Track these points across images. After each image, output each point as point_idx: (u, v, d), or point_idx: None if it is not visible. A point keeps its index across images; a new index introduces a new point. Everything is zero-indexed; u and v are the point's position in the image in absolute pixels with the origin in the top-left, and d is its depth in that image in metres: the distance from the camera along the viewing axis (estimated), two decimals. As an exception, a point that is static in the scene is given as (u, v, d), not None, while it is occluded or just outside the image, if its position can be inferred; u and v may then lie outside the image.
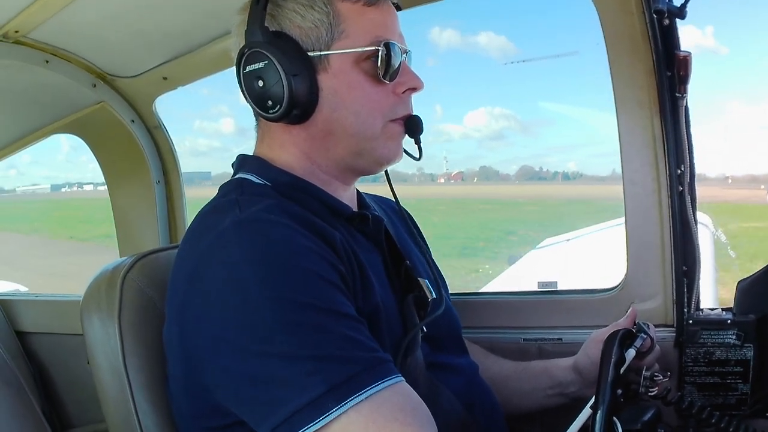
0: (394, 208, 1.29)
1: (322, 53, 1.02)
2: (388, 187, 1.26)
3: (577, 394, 1.31)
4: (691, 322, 1.36)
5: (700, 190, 1.38)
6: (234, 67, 1.06)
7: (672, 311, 1.42)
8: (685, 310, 1.39)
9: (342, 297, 0.90)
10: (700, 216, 1.44)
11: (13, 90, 2.00)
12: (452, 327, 1.23)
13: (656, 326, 1.33)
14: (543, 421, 1.39)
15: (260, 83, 1.01)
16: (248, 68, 1.02)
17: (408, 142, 1.13)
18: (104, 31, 1.71)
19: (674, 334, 1.40)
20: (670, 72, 1.30)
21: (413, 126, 1.09)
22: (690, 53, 1.25)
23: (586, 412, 0.99)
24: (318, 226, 0.96)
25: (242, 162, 1.12)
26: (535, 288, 1.69)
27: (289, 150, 1.09)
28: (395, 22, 1.09)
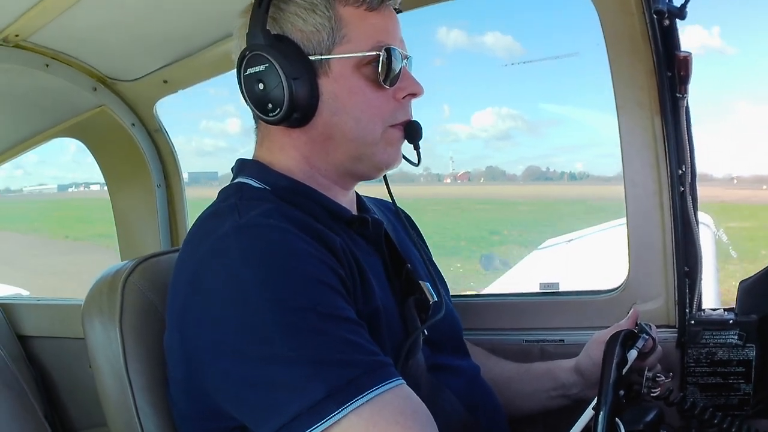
0: (393, 210, 1.29)
1: (323, 57, 1.02)
2: (390, 187, 1.26)
3: (580, 396, 1.31)
4: (693, 322, 1.35)
5: (700, 190, 1.38)
6: (235, 70, 1.06)
7: (674, 312, 1.42)
8: (687, 310, 1.38)
9: (342, 301, 0.90)
10: (702, 216, 1.44)
11: (14, 94, 2.00)
12: (453, 329, 1.23)
13: (658, 327, 1.33)
14: (545, 422, 1.39)
15: (261, 86, 1.01)
16: (249, 71, 1.02)
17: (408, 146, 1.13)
18: (104, 35, 1.71)
19: (676, 335, 1.40)
20: (670, 72, 1.30)
21: (413, 131, 1.09)
22: (690, 53, 1.25)
23: (589, 413, 0.99)
24: (318, 230, 0.96)
25: (241, 166, 1.12)
26: (534, 289, 1.69)
27: (289, 153, 1.09)
28: (396, 27, 1.09)
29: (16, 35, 1.65)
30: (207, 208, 1.04)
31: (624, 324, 1.27)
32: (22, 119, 2.21)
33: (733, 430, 1.03)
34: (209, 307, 0.89)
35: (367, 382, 0.82)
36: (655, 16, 1.26)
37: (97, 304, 1.17)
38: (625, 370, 1.04)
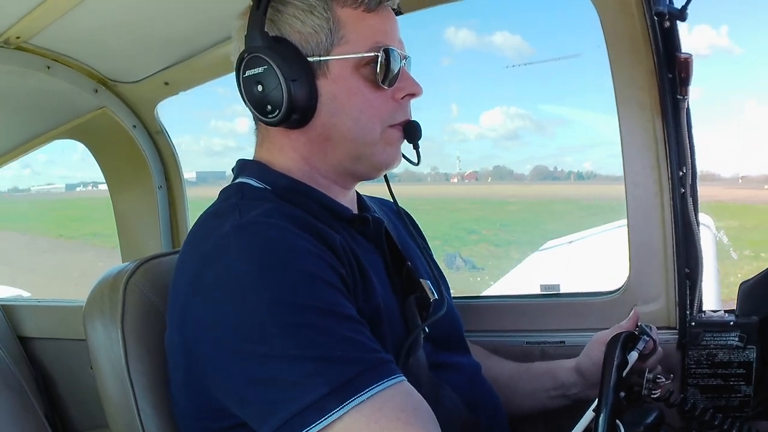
0: (393, 209, 1.29)
1: (321, 59, 1.02)
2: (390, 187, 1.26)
3: (580, 396, 1.31)
4: (693, 324, 1.35)
5: (701, 190, 1.38)
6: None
7: (674, 313, 1.42)
8: (688, 312, 1.38)
9: (342, 299, 0.90)
10: (702, 217, 1.44)
11: (15, 96, 2.01)
12: (454, 327, 1.23)
13: (659, 328, 1.33)
14: (546, 422, 1.39)
15: (259, 88, 1.01)
16: (248, 73, 1.02)
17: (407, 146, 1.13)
18: (105, 37, 1.71)
19: (677, 336, 1.40)
20: (671, 74, 1.30)
21: (412, 131, 1.10)
22: (691, 55, 1.25)
23: (589, 415, 0.99)
24: (318, 228, 0.96)
25: (242, 166, 1.13)
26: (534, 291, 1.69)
27: (288, 154, 1.09)
28: (395, 28, 1.09)
29: (18, 37, 1.65)
30: (208, 208, 1.04)
31: (625, 325, 1.27)
32: (24, 121, 2.21)
33: (734, 431, 1.03)
34: (209, 306, 0.89)
35: (368, 379, 0.82)
36: (655, 17, 1.26)
37: (99, 305, 1.18)
38: (625, 372, 1.04)
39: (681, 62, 1.26)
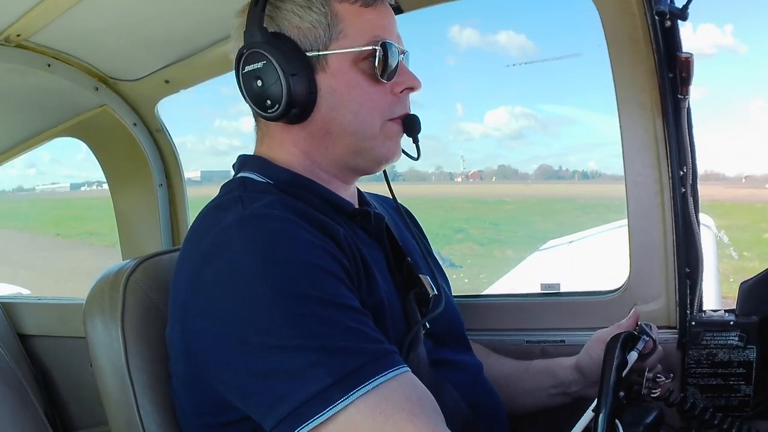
0: (393, 206, 1.29)
1: (320, 53, 1.03)
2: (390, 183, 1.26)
3: (580, 394, 1.31)
4: (693, 323, 1.36)
5: (702, 190, 1.38)
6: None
7: (675, 313, 1.42)
8: (688, 311, 1.38)
9: (346, 290, 0.90)
10: (702, 217, 1.44)
11: (15, 93, 2.00)
12: (454, 323, 1.23)
13: (659, 328, 1.33)
14: (546, 421, 1.39)
15: (259, 83, 1.02)
16: (247, 68, 1.03)
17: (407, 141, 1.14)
18: (106, 35, 1.71)
19: (677, 336, 1.40)
20: (672, 73, 1.30)
21: (411, 125, 1.10)
22: (691, 55, 1.25)
23: (588, 414, 0.99)
24: (321, 220, 0.97)
25: (243, 162, 1.13)
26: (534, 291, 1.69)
27: (289, 149, 1.09)
28: (393, 22, 1.09)
29: (18, 35, 1.65)
30: (209, 202, 1.04)
31: (625, 324, 1.27)
32: (24, 119, 2.21)
33: (734, 431, 1.03)
34: (211, 298, 0.89)
35: (372, 370, 0.82)
36: (656, 16, 1.26)
37: (99, 303, 1.18)
38: (625, 372, 1.04)
39: (682, 62, 1.26)
